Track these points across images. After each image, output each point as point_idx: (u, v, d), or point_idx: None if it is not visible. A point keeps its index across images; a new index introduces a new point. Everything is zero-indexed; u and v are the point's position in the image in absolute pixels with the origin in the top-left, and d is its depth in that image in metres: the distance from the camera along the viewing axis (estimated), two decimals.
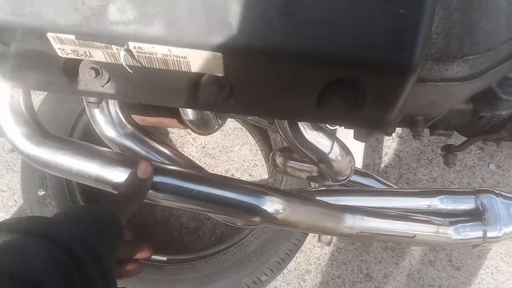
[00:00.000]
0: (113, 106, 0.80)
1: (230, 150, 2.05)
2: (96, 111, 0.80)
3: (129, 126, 0.82)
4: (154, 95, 0.62)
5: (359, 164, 1.81)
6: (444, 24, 0.66)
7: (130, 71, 0.54)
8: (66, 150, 0.74)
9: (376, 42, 0.49)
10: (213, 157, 2.03)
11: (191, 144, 2.05)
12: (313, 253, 1.91)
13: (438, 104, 0.80)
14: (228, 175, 2.01)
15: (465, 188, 1.05)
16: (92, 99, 0.69)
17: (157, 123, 0.99)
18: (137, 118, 0.94)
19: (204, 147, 2.05)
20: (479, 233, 0.97)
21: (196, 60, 0.53)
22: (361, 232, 0.91)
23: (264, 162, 2.04)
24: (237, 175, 2.02)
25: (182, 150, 2.03)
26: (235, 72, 0.55)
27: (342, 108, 0.58)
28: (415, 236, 0.96)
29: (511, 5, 0.70)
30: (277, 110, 0.63)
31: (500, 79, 0.87)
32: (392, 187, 1.22)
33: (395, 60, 0.50)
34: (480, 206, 1.00)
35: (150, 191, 0.75)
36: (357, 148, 1.71)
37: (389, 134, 0.87)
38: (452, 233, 0.97)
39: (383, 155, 2.07)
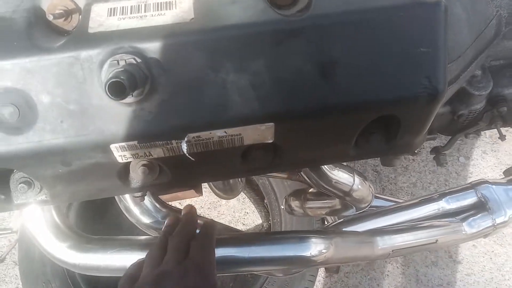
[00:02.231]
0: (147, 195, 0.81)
1: (218, 205, 2.05)
2: (130, 203, 0.80)
3: (164, 210, 0.83)
4: (206, 175, 0.65)
5: None
6: None
7: (192, 159, 0.57)
8: (115, 248, 0.74)
9: (408, 81, 0.56)
10: (203, 216, 2.02)
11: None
12: (324, 284, 1.93)
13: None
14: None
15: (462, 185, 1.13)
16: (138, 194, 0.70)
17: (173, 197, 0.99)
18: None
19: None
20: (489, 222, 1.05)
21: (249, 135, 0.57)
22: (393, 250, 0.96)
23: (254, 208, 2.05)
24: None
25: None
26: (283, 135, 0.59)
27: (378, 142, 0.64)
28: (437, 240, 1.02)
29: (468, 13, 0.81)
30: (318, 159, 0.68)
31: (469, 77, 0.98)
32: (398, 201, 1.29)
33: (426, 92, 0.57)
34: (481, 198, 1.08)
35: None
36: None
37: (416, 154, 0.93)
38: (466, 228, 1.04)
39: (362, 172, 2.13)
